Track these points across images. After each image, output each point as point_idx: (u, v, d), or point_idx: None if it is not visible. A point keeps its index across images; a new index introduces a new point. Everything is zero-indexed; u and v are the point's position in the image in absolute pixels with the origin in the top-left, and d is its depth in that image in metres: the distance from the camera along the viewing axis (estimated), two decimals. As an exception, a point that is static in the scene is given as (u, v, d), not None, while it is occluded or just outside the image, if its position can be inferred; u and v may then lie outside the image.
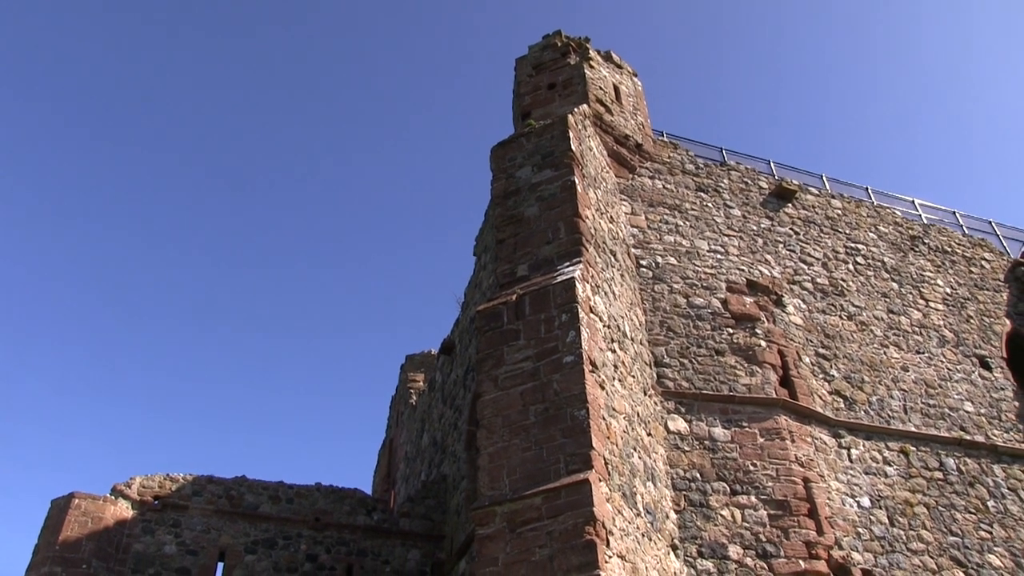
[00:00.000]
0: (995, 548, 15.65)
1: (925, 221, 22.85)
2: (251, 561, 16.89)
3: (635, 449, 11.99)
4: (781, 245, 18.80)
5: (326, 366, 70.46)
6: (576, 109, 16.84)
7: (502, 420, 11.01)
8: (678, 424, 14.09)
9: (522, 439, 10.69)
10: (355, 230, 72.47)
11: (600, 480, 10.09)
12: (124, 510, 16.79)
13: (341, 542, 17.70)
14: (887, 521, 14.99)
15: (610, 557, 9.57)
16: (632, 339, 13.96)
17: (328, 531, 17.76)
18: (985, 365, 19.43)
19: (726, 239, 17.74)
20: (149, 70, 65.56)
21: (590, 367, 11.11)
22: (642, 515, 11.39)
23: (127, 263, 65.31)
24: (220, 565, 16.77)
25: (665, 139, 20.02)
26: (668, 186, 18.48)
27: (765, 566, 13.02)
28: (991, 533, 15.86)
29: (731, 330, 15.77)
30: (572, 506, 9.70)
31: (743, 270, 17.18)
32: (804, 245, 19.28)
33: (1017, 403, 18.91)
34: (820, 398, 16.11)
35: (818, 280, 18.67)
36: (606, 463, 10.51)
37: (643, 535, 11.15)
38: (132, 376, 63.75)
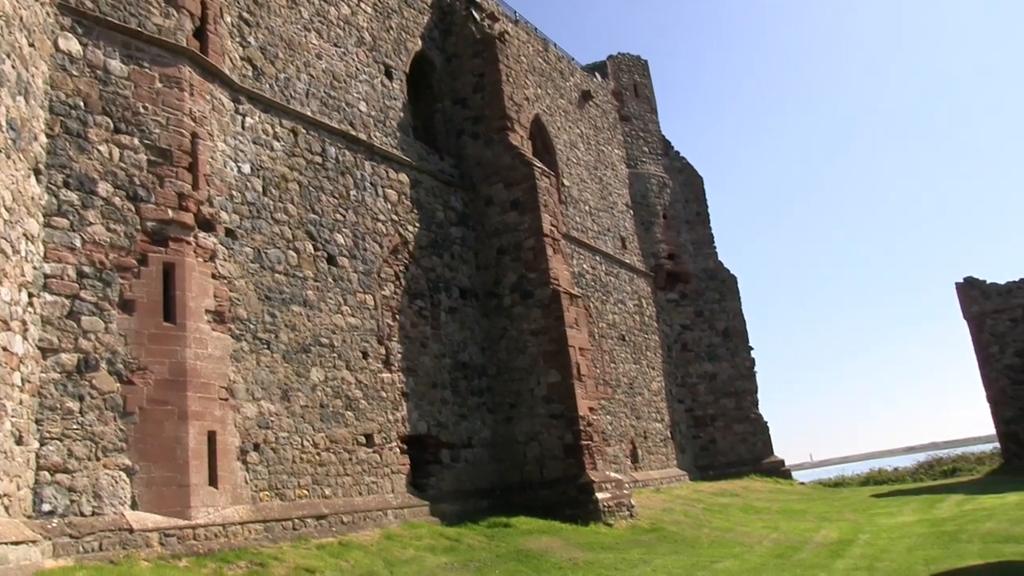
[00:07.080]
0: (343, 229, 17.61)
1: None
2: None
3: (9, 56, 10.73)
4: None
5: None
6: None
7: None
8: (71, 45, 12.86)
9: None
10: None
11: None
12: None
13: None
14: (261, 190, 15.84)
15: (-46, 163, 8.72)
16: (36, -64, 12.17)
17: None
18: (389, 75, 20.89)
19: None
20: None
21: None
22: (4, 130, 10.45)
23: None
24: None
25: None
26: None
27: (133, 208, 13.00)
28: (345, 217, 17.74)
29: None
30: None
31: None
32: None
33: (403, 114, 20.86)
34: (231, 61, 15.97)
35: (260, -57, 17.92)
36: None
37: (0, 151, 10.29)
38: None
